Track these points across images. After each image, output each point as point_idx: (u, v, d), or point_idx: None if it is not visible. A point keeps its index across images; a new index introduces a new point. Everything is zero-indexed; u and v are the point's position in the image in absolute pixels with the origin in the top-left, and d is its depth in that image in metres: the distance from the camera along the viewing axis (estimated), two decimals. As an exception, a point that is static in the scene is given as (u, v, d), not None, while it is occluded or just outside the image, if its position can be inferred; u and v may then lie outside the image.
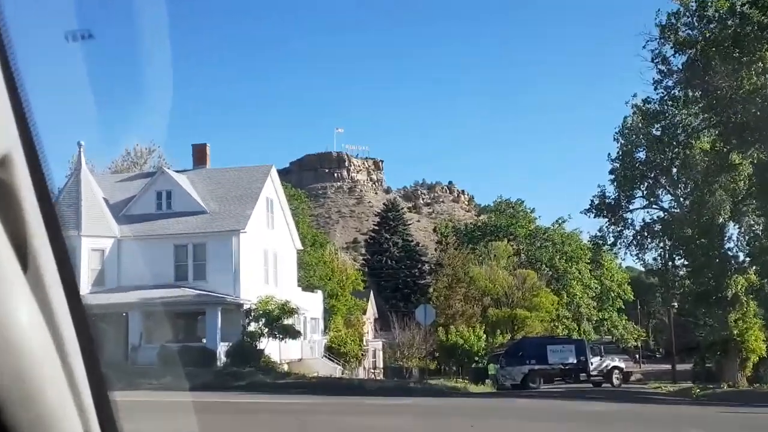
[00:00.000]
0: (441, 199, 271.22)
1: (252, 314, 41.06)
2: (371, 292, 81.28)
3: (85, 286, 39.25)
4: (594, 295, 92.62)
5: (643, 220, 56.41)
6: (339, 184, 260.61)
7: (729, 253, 49.84)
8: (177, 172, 48.80)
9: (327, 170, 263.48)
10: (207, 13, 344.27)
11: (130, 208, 44.65)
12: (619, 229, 56.61)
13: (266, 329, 40.64)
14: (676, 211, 54.32)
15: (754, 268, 46.71)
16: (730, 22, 37.83)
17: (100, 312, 34.63)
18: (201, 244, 42.90)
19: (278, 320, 40.71)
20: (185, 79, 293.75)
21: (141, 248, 41.69)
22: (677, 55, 41.50)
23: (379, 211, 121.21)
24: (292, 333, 41.62)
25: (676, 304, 68.71)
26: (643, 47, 43.66)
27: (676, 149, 48.63)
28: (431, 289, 74.89)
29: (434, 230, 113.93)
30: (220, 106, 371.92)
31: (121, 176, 53.36)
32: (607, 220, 56.44)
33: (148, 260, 40.96)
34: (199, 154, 49.85)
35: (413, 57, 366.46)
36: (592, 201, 56.44)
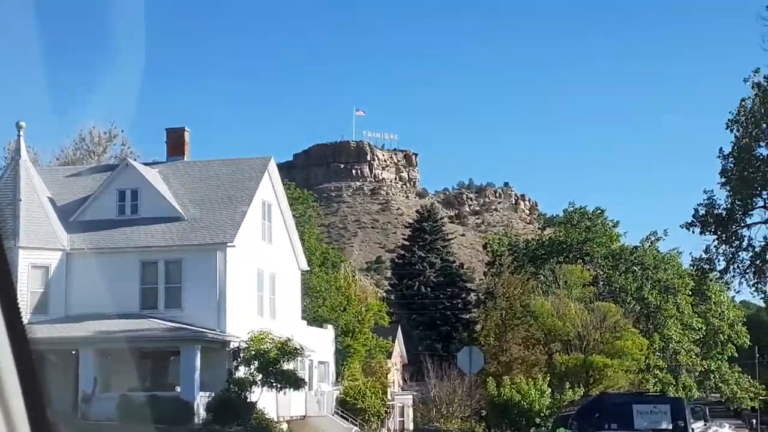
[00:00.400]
0: (493, 206, 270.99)
1: (241, 355, 41.19)
2: (399, 328, 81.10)
3: (22, 314, 39.47)
4: (697, 338, 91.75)
5: (765, 238, 55.71)
6: (358, 183, 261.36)
7: None
8: (146, 165, 49.18)
9: (343, 165, 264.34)
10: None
11: (84, 212, 44.99)
12: (732, 249, 55.95)
13: (260, 375, 40.72)
14: (809, 227, 53.67)
15: None
16: None
17: (41, 348, 34.86)
18: (176, 260, 43.16)
19: (276, 364, 40.79)
20: (158, 44, 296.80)
21: (97, 265, 41.91)
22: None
23: (411, 221, 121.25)
24: (293, 381, 41.66)
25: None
26: (767, 8, 43.23)
27: (812, 144, 48.11)
28: (479, 327, 74.75)
29: (484, 247, 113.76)
30: (202, 80, 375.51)
31: (73, 169, 53.82)
32: (715, 237, 55.84)
33: (106, 281, 41.14)
34: (175, 142, 50.15)
35: (461, 16, 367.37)
36: (696, 211, 55.82)
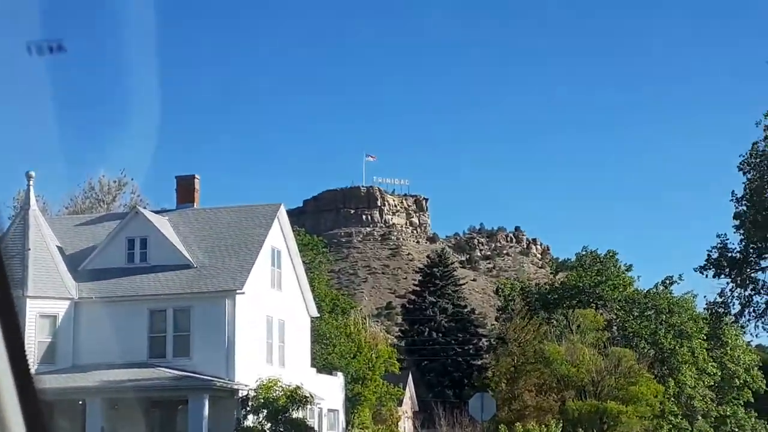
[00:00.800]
0: (505, 251, 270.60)
1: (250, 404, 41.02)
2: (410, 375, 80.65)
3: (30, 364, 39.39)
4: (712, 383, 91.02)
5: (781, 281, 55.45)
6: (369, 229, 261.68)
7: None
8: (155, 213, 49.34)
9: (353, 211, 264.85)
10: (201, 20, 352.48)
11: (93, 261, 45.05)
12: (747, 293, 55.69)
13: (269, 424, 40.54)
14: (825, 269, 53.43)
15: None
16: None
17: (49, 399, 34.72)
18: (185, 308, 43.12)
19: (285, 412, 40.63)
20: (169, 90, 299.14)
21: (105, 314, 41.91)
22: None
23: (422, 266, 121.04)
24: (303, 430, 41.44)
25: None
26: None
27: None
28: (491, 373, 74.23)
29: (496, 292, 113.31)
30: (212, 126, 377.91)
31: (82, 218, 54.02)
32: (730, 280, 55.61)
33: (114, 330, 41.11)
34: (185, 190, 50.33)
35: (472, 62, 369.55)
36: (709, 255, 55.68)
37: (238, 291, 42.67)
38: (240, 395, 41.48)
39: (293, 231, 52.43)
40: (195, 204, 50.25)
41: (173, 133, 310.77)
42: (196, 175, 51.59)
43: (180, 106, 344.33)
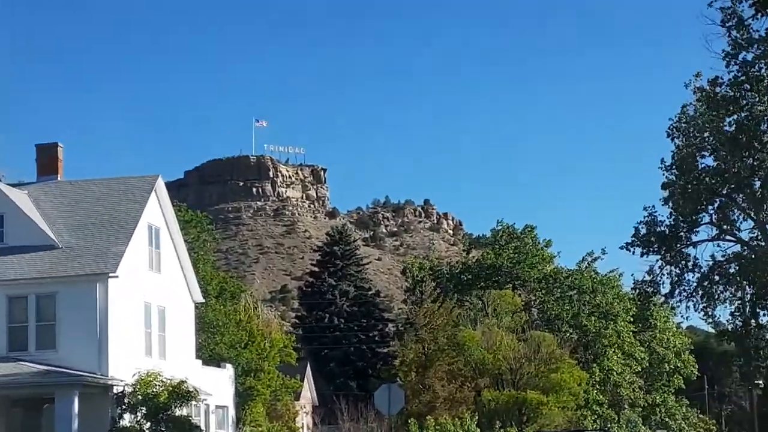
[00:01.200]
0: (413, 227, 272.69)
1: (127, 400, 40.83)
2: (308, 366, 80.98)
3: None
4: (640, 369, 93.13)
5: (713, 257, 56.79)
6: (260, 203, 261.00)
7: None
8: (12, 186, 48.41)
9: (242, 183, 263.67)
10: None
11: (-59, 242, 44.20)
12: (677, 271, 56.95)
13: (148, 423, 40.38)
14: (760, 244, 54.97)
15: None
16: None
17: None
18: (49, 294, 42.53)
19: (166, 409, 40.52)
20: (25, 52, 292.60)
21: (-43, 302, 41.23)
22: (759, 15, 42.13)
23: (321, 244, 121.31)
24: (187, 429, 41.38)
25: (761, 382, 69.31)
26: (709, 5, 44.27)
27: (760, 153, 49.23)
28: (398, 362, 74.87)
29: (403, 272, 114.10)
30: (77, 88, 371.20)
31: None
32: (659, 257, 56.78)
33: (-33, 320, 40.48)
34: (47, 160, 49.49)
35: (369, 20, 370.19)
36: (636, 230, 56.76)
37: (110, 274, 42.19)
38: (115, 391, 41.18)
39: (174, 206, 52.04)
40: (59, 176, 49.44)
41: (34, 98, 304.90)
42: (59, 144, 50.62)
43: (42, 68, 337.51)
